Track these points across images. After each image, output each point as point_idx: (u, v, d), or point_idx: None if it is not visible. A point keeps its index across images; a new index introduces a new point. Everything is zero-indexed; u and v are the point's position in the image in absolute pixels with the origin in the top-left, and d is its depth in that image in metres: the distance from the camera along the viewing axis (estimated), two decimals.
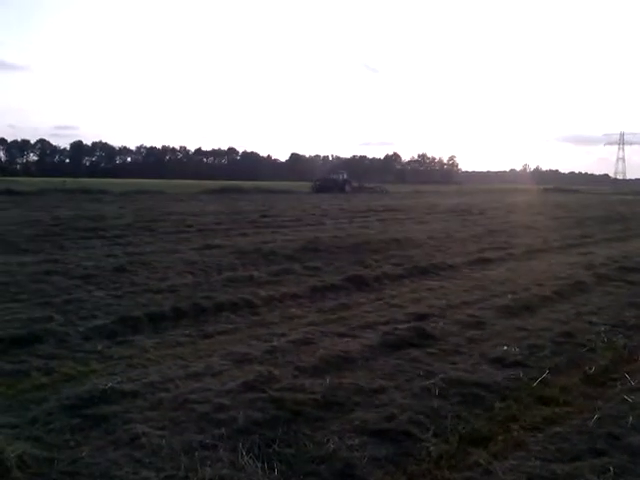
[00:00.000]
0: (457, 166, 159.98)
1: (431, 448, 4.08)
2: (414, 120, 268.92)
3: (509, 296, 8.91)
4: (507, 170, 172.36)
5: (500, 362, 5.94)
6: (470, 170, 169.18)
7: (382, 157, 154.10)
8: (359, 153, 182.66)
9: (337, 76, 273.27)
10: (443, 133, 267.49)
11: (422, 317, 7.58)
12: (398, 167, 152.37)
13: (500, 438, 4.30)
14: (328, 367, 5.63)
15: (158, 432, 4.19)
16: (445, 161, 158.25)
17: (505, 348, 6.36)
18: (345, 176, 60.55)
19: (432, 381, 5.26)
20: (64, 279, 9.51)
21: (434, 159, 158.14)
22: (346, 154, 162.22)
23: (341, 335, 6.81)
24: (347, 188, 56.15)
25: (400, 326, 7.01)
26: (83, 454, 3.88)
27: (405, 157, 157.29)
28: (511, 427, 4.49)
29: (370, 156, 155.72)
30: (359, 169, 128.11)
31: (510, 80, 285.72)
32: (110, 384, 4.93)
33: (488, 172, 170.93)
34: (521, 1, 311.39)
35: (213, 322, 7.40)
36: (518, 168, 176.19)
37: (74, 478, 3.62)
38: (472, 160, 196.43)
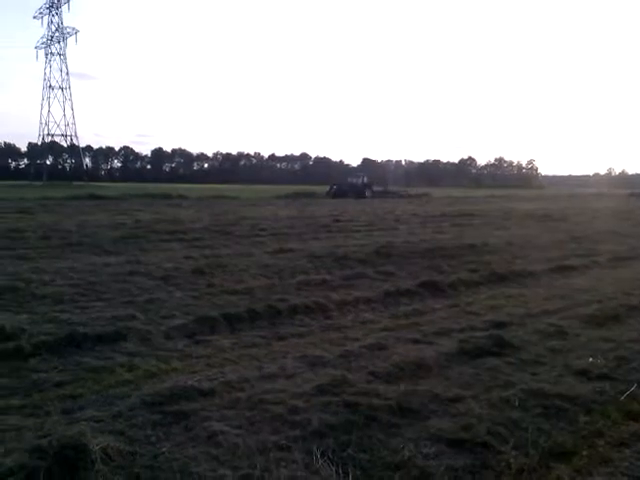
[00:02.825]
0: (536, 170, 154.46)
1: (511, 460, 3.94)
2: (490, 122, 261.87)
3: (594, 305, 8.51)
4: (590, 174, 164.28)
5: (585, 374, 5.67)
6: (550, 174, 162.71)
7: (456, 161, 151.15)
8: (432, 157, 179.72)
9: (408, 77, 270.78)
10: (521, 136, 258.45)
11: (500, 325, 7.36)
12: (473, 171, 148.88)
13: (584, 453, 4.12)
14: (402, 373, 5.56)
15: (235, 431, 4.27)
16: (524, 165, 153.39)
17: (590, 360, 6.07)
18: (365, 180, 56.93)
19: (512, 391, 5.09)
20: (145, 279, 9.91)
21: (512, 163, 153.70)
22: (419, 158, 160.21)
23: (415, 341, 6.71)
24: (367, 193, 53.06)
25: (477, 334, 6.84)
26: (164, 449, 4.00)
27: (481, 161, 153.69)
28: (596, 442, 4.29)
29: (444, 160, 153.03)
30: (432, 173, 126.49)
31: (594, 80, 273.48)
32: (190, 382, 5.08)
33: (570, 176, 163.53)
34: None
35: (287, 324, 7.49)
36: (602, 172, 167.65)
37: (155, 472, 3.73)
38: (552, 164, 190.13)
